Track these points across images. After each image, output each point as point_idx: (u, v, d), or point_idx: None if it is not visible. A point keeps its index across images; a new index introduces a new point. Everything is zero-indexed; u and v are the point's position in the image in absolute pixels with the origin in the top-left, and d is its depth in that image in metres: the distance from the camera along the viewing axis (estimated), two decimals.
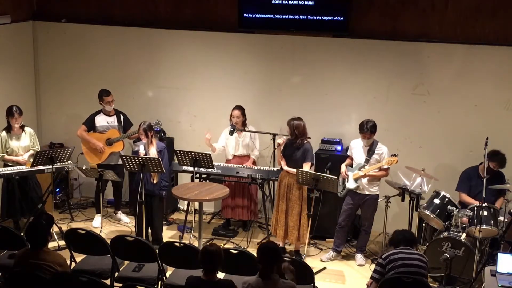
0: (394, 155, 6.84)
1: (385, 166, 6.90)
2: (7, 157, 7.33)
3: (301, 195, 7.02)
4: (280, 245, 7.25)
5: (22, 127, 7.44)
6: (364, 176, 6.90)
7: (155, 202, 7.14)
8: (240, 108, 7.62)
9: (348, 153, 7.23)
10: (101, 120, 7.88)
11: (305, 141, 7.03)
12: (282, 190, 7.04)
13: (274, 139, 7.32)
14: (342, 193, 7.04)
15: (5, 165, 7.39)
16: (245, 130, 7.64)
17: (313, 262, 7.03)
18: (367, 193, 6.99)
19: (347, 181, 7.02)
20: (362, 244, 7.25)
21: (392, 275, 5.11)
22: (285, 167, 7.02)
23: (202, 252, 4.67)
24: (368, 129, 6.86)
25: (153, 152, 6.97)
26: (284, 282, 4.55)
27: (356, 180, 6.96)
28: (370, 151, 6.96)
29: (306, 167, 6.98)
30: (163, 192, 7.16)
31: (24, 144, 7.44)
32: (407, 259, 5.17)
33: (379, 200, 7.19)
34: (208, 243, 5.24)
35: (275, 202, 7.17)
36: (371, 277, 5.34)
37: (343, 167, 7.10)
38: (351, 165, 7.11)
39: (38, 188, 7.57)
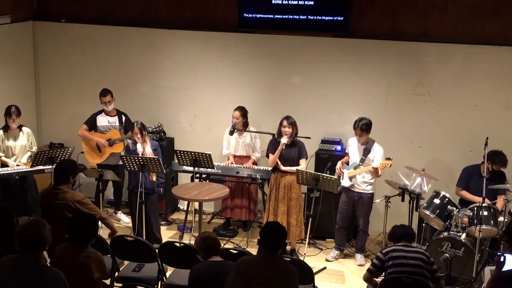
0: (388, 159, 6.83)
1: (379, 169, 6.84)
2: (3, 158, 7.34)
3: (300, 192, 7.08)
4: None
5: (19, 127, 7.44)
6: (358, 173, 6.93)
7: (152, 200, 7.17)
8: (241, 109, 7.61)
9: (346, 150, 7.26)
10: (102, 120, 7.87)
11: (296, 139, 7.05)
12: (282, 191, 7.01)
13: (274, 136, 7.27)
14: (338, 189, 7.04)
15: (3, 165, 7.39)
16: (245, 131, 7.63)
17: (313, 262, 7.02)
18: (361, 191, 7.00)
19: (342, 179, 7.04)
20: (361, 244, 7.25)
21: (391, 275, 5.10)
22: (284, 168, 7.01)
23: (203, 238, 4.76)
24: (358, 126, 6.87)
25: (148, 151, 6.99)
26: (287, 264, 4.56)
27: (350, 178, 6.97)
28: (366, 151, 6.96)
29: (303, 163, 7.01)
30: (160, 188, 7.24)
31: (21, 144, 7.44)
32: (408, 258, 5.13)
33: (377, 200, 7.19)
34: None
35: (271, 206, 7.08)
36: (368, 270, 5.31)
37: (338, 164, 7.14)
38: (347, 163, 7.13)
39: (34, 188, 7.56)
